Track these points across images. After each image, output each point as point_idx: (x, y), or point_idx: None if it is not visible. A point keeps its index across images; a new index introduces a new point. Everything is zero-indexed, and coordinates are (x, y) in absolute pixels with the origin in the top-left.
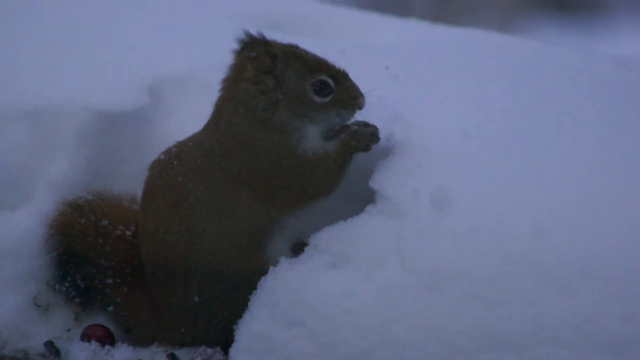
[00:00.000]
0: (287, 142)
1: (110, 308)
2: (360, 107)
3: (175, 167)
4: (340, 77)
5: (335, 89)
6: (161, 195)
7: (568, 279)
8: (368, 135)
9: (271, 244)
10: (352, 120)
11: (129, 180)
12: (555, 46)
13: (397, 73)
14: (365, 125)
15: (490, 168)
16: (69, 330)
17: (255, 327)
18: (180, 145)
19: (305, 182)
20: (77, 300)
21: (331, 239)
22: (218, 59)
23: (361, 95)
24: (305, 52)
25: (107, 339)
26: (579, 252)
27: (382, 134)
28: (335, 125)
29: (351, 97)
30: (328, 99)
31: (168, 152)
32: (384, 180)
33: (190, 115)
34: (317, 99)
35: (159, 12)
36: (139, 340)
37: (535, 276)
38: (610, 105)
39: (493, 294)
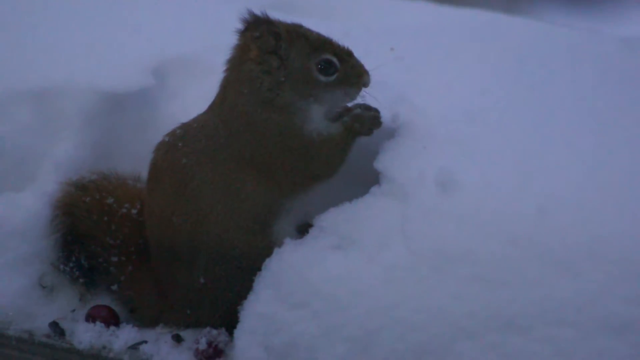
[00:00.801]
0: (292, 122)
1: (115, 287)
2: (365, 85)
3: (180, 148)
4: (345, 55)
5: (340, 67)
6: (166, 177)
7: (572, 260)
8: (371, 119)
9: (277, 224)
10: (356, 101)
11: (134, 161)
12: (561, 27)
13: (402, 55)
14: (368, 108)
15: (495, 150)
16: (74, 311)
17: (260, 308)
18: (185, 126)
19: (308, 164)
20: (81, 280)
21: (336, 221)
22: (223, 40)
23: (366, 72)
24: (309, 31)
25: (111, 319)
26: (584, 234)
27: (387, 116)
28: (339, 106)
29: (356, 74)
30: (333, 77)
31: (173, 133)
32: (388, 162)
33: (194, 96)
34: (322, 78)
35: None
36: (144, 320)
37: (539, 258)
38: (615, 87)
39: (498, 275)
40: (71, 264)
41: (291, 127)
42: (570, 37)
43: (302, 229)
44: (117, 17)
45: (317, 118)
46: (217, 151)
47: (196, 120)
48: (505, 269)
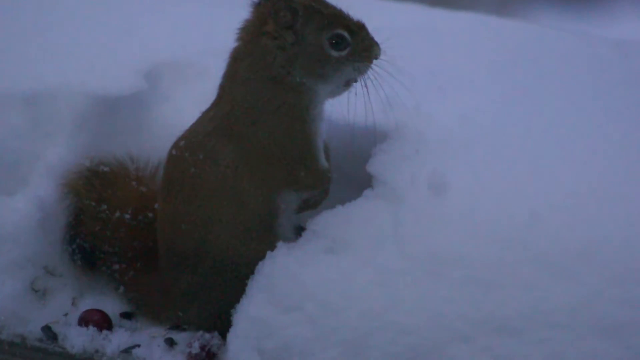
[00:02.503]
0: (299, 102)
1: (121, 290)
2: (376, 57)
3: (187, 159)
4: (356, 28)
5: (351, 41)
6: (177, 189)
7: (566, 263)
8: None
9: (280, 226)
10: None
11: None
12: (554, 30)
13: (394, 57)
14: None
15: (488, 153)
16: (67, 315)
17: (253, 312)
18: (188, 134)
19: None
20: (79, 263)
21: (329, 224)
22: (215, 44)
23: (376, 44)
24: (325, 5)
25: (104, 323)
26: (577, 237)
27: (381, 119)
28: (346, 84)
29: (366, 48)
30: (345, 52)
31: (177, 145)
32: (381, 165)
33: (187, 99)
34: (334, 53)
35: None
36: (146, 318)
37: (533, 261)
38: (608, 89)
39: (491, 278)
40: (74, 245)
41: (298, 108)
42: (562, 39)
43: (296, 232)
44: (110, 21)
45: (322, 99)
46: (223, 149)
47: (200, 121)
48: (498, 272)
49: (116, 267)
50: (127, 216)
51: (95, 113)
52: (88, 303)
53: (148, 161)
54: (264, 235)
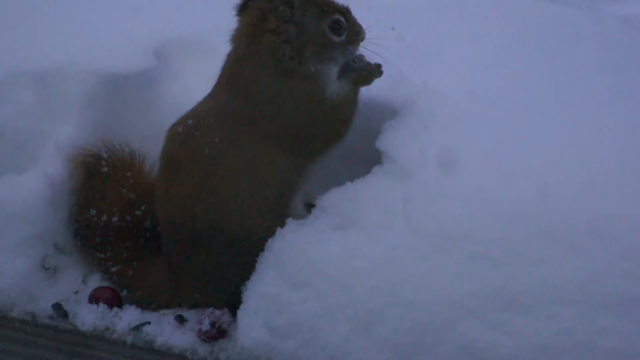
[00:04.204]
0: (316, 87)
1: (124, 292)
2: (363, 39)
3: (199, 138)
4: (347, 12)
5: (346, 26)
6: (187, 168)
7: (574, 238)
8: (374, 70)
9: (293, 201)
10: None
11: (135, 143)
12: (562, 5)
13: (403, 33)
14: (365, 60)
15: (496, 129)
16: (77, 292)
17: (263, 288)
18: (197, 114)
19: (332, 125)
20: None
21: (338, 201)
22: (223, 21)
23: (361, 27)
24: None
25: (114, 301)
26: (586, 212)
27: (390, 96)
28: (346, 63)
29: (356, 31)
30: (343, 37)
31: (184, 123)
32: (390, 142)
33: (195, 77)
34: (336, 38)
35: None
36: (155, 306)
37: (541, 236)
38: (616, 65)
39: (500, 254)
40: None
41: (315, 92)
42: (571, 15)
43: (305, 209)
44: None
45: (333, 79)
46: (241, 134)
47: (207, 105)
48: (507, 248)
49: (114, 269)
50: (115, 219)
51: (104, 91)
52: (98, 280)
53: (147, 155)
54: (279, 213)
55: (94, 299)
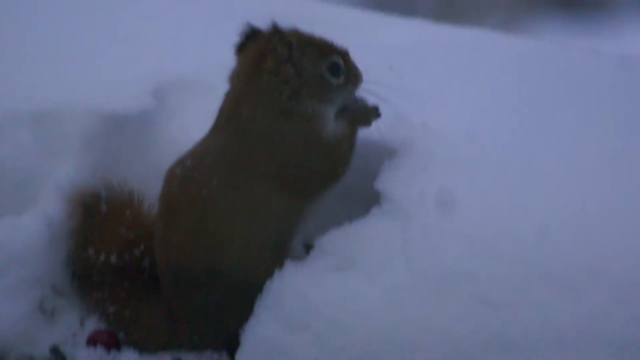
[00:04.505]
0: (313, 128)
1: (122, 335)
2: (361, 82)
3: (197, 180)
4: (345, 55)
5: (344, 68)
6: (185, 210)
7: (574, 281)
8: (371, 112)
9: (292, 243)
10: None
11: (134, 183)
12: (560, 46)
13: (401, 73)
14: (363, 102)
15: (495, 169)
16: (75, 335)
17: (261, 331)
18: (195, 155)
19: (329, 166)
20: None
21: (337, 242)
22: (222, 61)
23: (359, 70)
24: (311, 35)
25: (113, 344)
26: (585, 254)
27: (388, 135)
28: (344, 105)
29: (355, 74)
30: (341, 79)
31: (182, 165)
32: (389, 182)
33: (194, 117)
34: (334, 80)
35: (162, 14)
36: (155, 349)
37: (541, 278)
38: (614, 106)
39: (499, 296)
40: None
41: (313, 133)
42: (569, 56)
43: (304, 250)
44: (116, 38)
45: (331, 120)
46: (238, 176)
47: (205, 146)
48: (506, 290)
49: (111, 309)
50: (113, 258)
51: (103, 131)
52: (96, 323)
53: (146, 195)
54: (278, 254)
55: (92, 342)
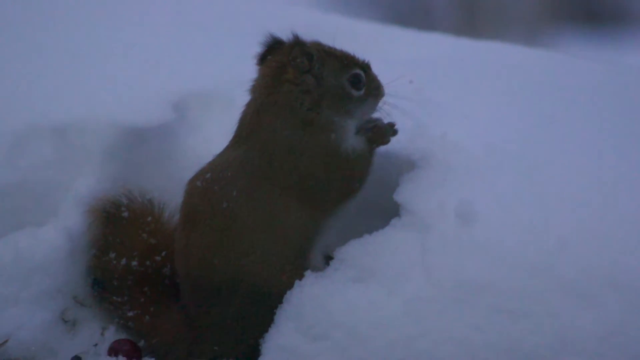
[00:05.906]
0: (332, 139)
1: (142, 343)
2: (383, 95)
3: (217, 192)
4: (367, 68)
5: (365, 80)
6: (206, 222)
7: (593, 290)
8: (388, 129)
9: (312, 254)
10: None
11: (155, 195)
12: (580, 59)
13: (421, 86)
14: (381, 120)
15: (515, 181)
16: (96, 345)
17: (281, 341)
18: (215, 167)
19: (345, 180)
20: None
21: (356, 253)
22: (242, 74)
23: (380, 83)
24: (333, 48)
25: (134, 353)
26: (605, 264)
27: (408, 147)
28: (367, 119)
29: (376, 87)
30: (362, 91)
31: (202, 177)
32: (408, 194)
33: (215, 130)
34: (355, 92)
35: (184, 28)
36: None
37: (560, 288)
38: (635, 118)
39: (518, 306)
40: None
41: (332, 145)
42: (589, 68)
43: (324, 261)
44: (137, 52)
45: (351, 133)
46: (258, 187)
47: (225, 158)
48: (526, 300)
49: (130, 314)
50: (134, 263)
51: (124, 144)
52: (117, 332)
53: (166, 205)
54: (298, 265)
55: (113, 351)
